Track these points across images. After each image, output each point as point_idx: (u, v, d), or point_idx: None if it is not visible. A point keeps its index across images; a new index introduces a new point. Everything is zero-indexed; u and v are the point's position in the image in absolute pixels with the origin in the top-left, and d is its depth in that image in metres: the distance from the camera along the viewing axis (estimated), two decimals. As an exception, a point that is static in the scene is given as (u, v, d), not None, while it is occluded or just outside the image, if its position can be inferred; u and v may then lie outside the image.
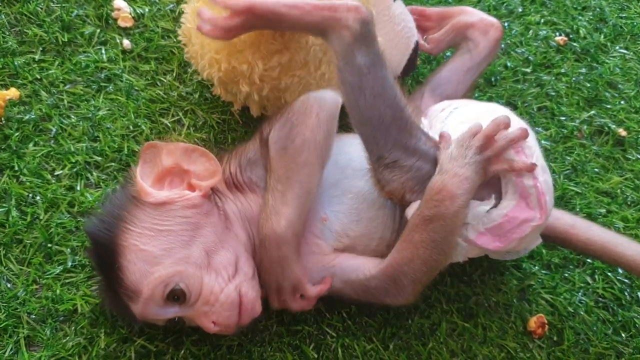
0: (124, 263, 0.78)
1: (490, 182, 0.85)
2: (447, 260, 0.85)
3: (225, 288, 0.80)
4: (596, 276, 1.04)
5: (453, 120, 0.92)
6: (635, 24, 1.40)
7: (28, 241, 0.94)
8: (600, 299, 1.03)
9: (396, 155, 0.83)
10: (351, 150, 0.92)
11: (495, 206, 0.85)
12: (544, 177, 0.85)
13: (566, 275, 1.04)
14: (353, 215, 0.89)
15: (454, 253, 0.87)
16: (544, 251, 1.05)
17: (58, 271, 0.92)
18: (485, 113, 0.91)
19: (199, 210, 0.83)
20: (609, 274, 1.05)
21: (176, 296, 0.79)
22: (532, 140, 0.87)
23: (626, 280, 1.04)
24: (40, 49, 1.13)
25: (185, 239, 0.80)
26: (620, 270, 1.05)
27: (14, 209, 0.96)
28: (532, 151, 0.85)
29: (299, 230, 0.84)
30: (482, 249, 0.88)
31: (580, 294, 1.02)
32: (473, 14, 1.11)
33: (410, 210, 0.86)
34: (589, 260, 1.05)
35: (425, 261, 0.82)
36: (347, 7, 0.82)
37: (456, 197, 0.79)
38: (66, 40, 1.14)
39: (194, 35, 0.97)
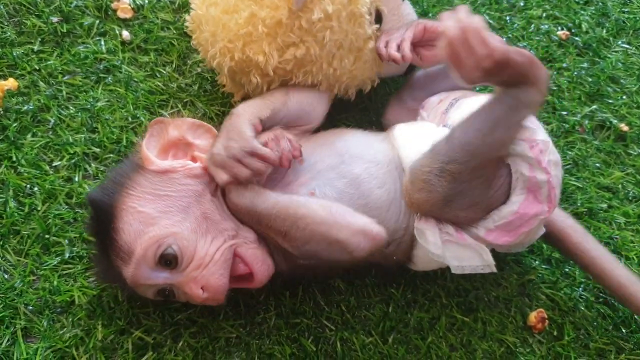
0: (120, 225, 0.79)
1: (503, 183, 0.85)
2: None
3: (221, 246, 0.82)
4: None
5: (458, 112, 0.91)
6: (637, 18, 1.39)
7: (25, 232, 0.93)
8: (600, 294, 1.02)
9: (464, 176, 0.80)
10: (350, 138, 0.92)
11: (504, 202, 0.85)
12: (555, 172, 0.85)
13: (567, 270, 1.03)
14: (344, 201, 0.87)
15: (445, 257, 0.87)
16: (544, 246, 1.04)
17: (55, 262, 0.92)
18: None
19: (200, 180, 0.85)
20: (610, 269, 1.04)
21: (168, 261, 0.80)
22: (544, 133, 0.87)
23: (627, 276, 1.03)
24: (39, 39, 1.13)
25: (183, 205, 0.82)
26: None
27: (12, 199, 0.95)
28: (547, 145, 0.84)
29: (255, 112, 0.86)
30: (490, 245, 0.87)
31: (580, 289, 1.02)
32: None
33: (421, 223, 0.86)
34: (589, 255, 1.05)
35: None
36: (545, 71, 0.80)
37: None
38: (65, 31, 1.14)
39: (205, 22, 0.95)
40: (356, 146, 0.90)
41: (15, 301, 0.88)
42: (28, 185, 0.97)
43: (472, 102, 0.93)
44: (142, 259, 0.79)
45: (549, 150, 0.84)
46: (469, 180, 0.81)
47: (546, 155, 0.84)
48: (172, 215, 0.81)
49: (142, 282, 0.81)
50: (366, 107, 1.13)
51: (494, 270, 0.86)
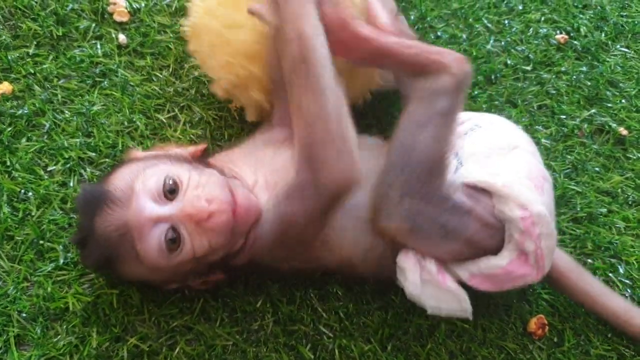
0: (112, 186, 0.80)
1: (495, 235, 0.83)
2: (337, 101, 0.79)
3: (212, 176, 0.83)
4: (597, 276, 1.02)
5: (474, 145, 0.90)
6: (636, 22, 1.38)
7: (19, 238, 0.92)
8: (601, 300, 1.01)
9: (408, 194, 0.79)
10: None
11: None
12: (546, 243, 0.82)
13: (566, 275, 1.03)
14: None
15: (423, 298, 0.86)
16: (544, 251, 1.04)
17: (50, 269, 0.91)
18: (516, 139, 0.91)
19: (188, 159, 0.89)
20: (610, 274, 1.03)
21: (170, 189, 0.80)
22: (542, 205, 0.83)
23: (627, 281, 1.03)
24: (35, 43, 1.12)
25: (170, 160, 0.86)
26: (621, 271, 1.04)
27: (6, 205, 0.94)
28: (540, 219, 0.81)
29: None
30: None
31: (580, 294, 1.01)
32: None
33: (403, 260, 0.85)
34: (589, 260, 1.04)
35: (317, 114, 0.76)
36: (455, 56, 0.82)
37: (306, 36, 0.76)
38: (61, 34, 1.13)
39: (205, 32, 0.94)
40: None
41: (9, 308, 0.87)
42: (22, 190, 0.96)
43: (491, 135, 0.92)
44: (142, 192, 0.78)
45: (542, 223, 0.81)
46: (424, 198, 0.79)
47: (538, 227, 0.81)
48: (160, 164, 0.83)
49: (147, 215, 0.77)
50: (370, 123, 1.11)
51: (470, 318, 0.85)
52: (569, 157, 1.15)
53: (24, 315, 0.87)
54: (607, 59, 1.31)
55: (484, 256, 0.84)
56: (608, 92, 1.26)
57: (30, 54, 1.10)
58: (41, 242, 0.92)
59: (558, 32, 1.34)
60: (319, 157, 0.76)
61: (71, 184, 0.98)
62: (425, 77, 0.81)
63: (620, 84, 1.28)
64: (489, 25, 1.30)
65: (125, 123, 1.05)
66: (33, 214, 0.94)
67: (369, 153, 0.86)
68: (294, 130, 0.80)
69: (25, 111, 1.03)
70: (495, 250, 0.84)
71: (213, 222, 0.79)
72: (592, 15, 1.38)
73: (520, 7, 1.36)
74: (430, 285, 0.84)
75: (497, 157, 0.88)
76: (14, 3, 1.15)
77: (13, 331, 0.85)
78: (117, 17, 1.17)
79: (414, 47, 0.82)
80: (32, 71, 1.08)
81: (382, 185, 0.79)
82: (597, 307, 0.97)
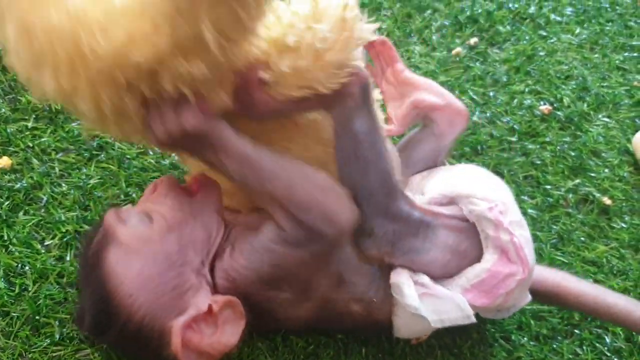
0: None
1: (471, 238, 0.88)
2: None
3: None
4: (584, 347, 1.04)
5: (433, 181, 0.95)
6: (616, 93, 1.43)
7: (15, 313, 0.93)
8: (588, 370, 1.03)
9: (377, 223, 0.84)
10: None
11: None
12: (520, 232, 0.87)
13: (554, 346, 1.04)
14: None
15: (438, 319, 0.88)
16: (532, 322, 1.05)
17: (45, 344, 0.91)
18: (460, 174, 0.96)
19: None
20: (597, 344, 1.05)
21: None
22: (506, 195, 0.91)
23: (614, 352, 1.04)
24: (33, 116, 1.14)
25: None
26: (607, 341, 1.05)
27: (2, 280, 0.95)
28: (507, 207, 0.88)
29: None
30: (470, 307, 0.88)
31: (569, 365, 1.03)
32: (439, 95, 1.00)
33: (395, 276, 0.87)
34: (576, 330, 1.06)
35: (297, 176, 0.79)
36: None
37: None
38: (59, 107, 1.15)
39: None
40: None
41: (4, 386, 0.87)
42: (19, 265, 0.97)
43: (442, 172, 0.97)
44: None
45: (510, 211, 0.88)
46: (393, 218, 0.84)
47: (507, 216, 0.86)
48: None
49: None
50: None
51: (474, 320, 0.86)
52: (554, 227, 1.18)
53: (19, 393, 0.87)
54: (590, 129, 1.36)
55: (469, 267, 0.88)
56: (591, 162, 1.30)
57: (29, 127, 1.12)
58: (37, 317, 0.93)
59: (542, 103, 1.38)
60: (321, 207, 0.78)
61: (68, 258, 0.99)
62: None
63: (603, 154, 1.32)
64: (475, 97, 1.35)
65: (122, 196, 1.07)
66: (30, 289, 0.95)
67: None
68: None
69: (24, 184, 1.05)
70: (478, 259, 0.88)
71: None
72: (574, 86, 1.43)
73: (505, 79, 1.40)
74: (427, 298, 0.86)
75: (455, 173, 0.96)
76: (14, 76, 1.17)
77: (7, 410, 0.86)
78: (114, 90, 1.20)
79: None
80: (31, 144, 1.10)
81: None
82: (597, 307, 0.99)
